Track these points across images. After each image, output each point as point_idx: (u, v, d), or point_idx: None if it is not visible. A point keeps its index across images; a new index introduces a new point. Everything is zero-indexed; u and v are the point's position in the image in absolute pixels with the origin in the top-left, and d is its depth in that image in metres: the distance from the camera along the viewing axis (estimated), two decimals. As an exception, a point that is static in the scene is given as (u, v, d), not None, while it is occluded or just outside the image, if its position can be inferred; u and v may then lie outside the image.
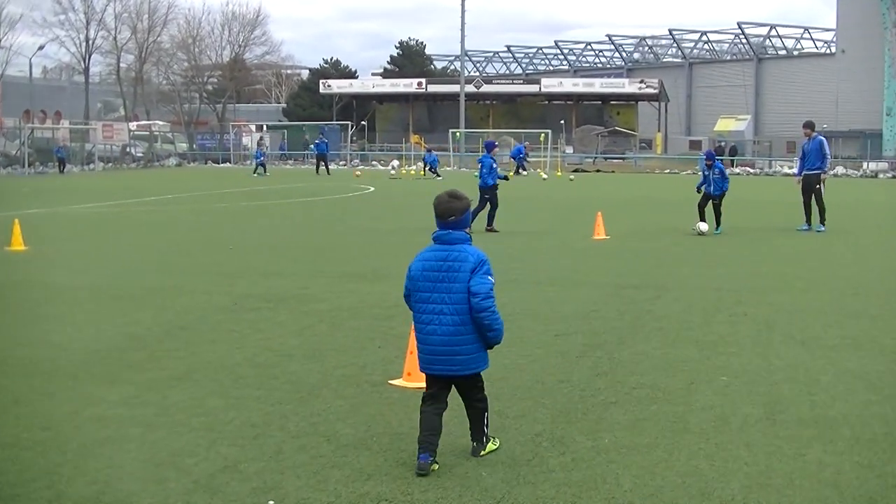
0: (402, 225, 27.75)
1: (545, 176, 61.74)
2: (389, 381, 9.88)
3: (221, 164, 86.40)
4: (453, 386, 7.63)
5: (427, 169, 63.44)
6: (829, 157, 26.76)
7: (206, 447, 7.80)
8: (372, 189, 47.17)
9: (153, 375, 10.13)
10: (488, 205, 25.99)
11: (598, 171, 73.88)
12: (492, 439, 7.75)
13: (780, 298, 15.07)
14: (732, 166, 74.97)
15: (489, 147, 27.16)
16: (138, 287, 16.08)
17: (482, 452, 7.60)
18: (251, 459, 7.53)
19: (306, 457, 7.59)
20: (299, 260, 19.65)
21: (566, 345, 11.65)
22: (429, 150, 67.77)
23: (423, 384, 7.93)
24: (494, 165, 26.47)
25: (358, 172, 65.19)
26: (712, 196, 25.23)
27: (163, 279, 17.04)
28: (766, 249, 20.81)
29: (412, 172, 66.67)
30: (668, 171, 75.71)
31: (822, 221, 25.90)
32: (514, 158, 65.85)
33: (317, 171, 64.89)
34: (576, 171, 69.34)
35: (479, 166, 26.63)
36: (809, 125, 26.79)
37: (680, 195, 42.98)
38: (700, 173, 26.49)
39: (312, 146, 72.30)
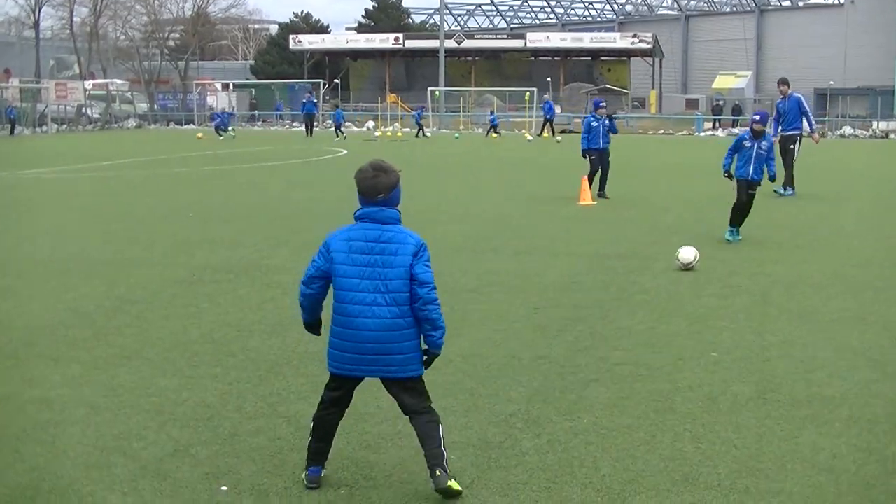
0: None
1: (530, 137, 61.68)
2: (356, 359, 9.84)
3: (185, 126, 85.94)
4: (397, 400, 6.73)
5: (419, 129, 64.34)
6: (810, 114, 26.70)
7: (155, 430, 7.77)
8: (345, 152, 46.99)
9: (100, 354, 10.08)
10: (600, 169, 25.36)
11: (587, 132, 73.85)
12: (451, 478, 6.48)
13: (776, 269, 15.08)
14: (734, 127, 74.95)
15: (596, 106, 26.36)
16: (87, 259, 15.99)
17: (449, 484, 6.39)
18: (204, 443, 7.50)
19: (263, 439, 7.57)
20: (263, 229, 19.56)
21: (545, 319, 11.64)
22: (418, 109, 68.78)
23: None
24: (594, 124, 25.58)
25: (199, 135, 64.62)
26: (751, 184, 17.85)
27: (115, 250, 16.94)
28: (763, 217, 20.82)
29: (388, 135, 66.46)
30: (661, 131, 75.79)
31: (788, 185, 25.68)
32: (491, 122, 66.40)
33: (308, 133, 64.33)
34: (563, 131, 69.18)
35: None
36: (784, 82, 26.84)
37: (674, 158, 43.06)
38: (736, 145, 18.05)
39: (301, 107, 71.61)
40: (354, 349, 6.56)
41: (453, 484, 6.41)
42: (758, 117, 18.16)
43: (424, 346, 6.59)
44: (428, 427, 6.51)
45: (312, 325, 7.12)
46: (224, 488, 6.64)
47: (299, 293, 6.98)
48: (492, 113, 70.87)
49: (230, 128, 67.08)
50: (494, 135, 65.12)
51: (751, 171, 17.61)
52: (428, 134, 65.18)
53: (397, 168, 6.81)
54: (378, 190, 6.67)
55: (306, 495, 6.54)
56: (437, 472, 6.37)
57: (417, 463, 7.01)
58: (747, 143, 17.60)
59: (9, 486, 6.68)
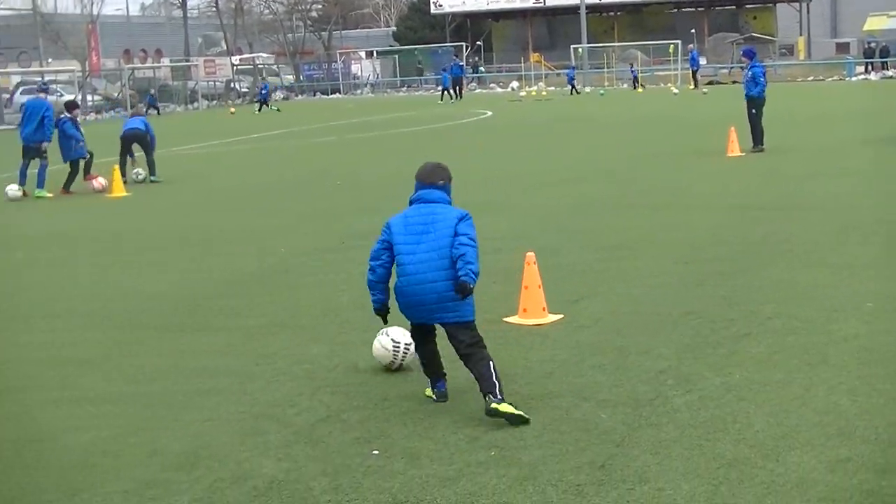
0: (515, 153, 27.59)
1: (676, 90, 60.85)
2: (504, 319, 9.84)
3: (331, 96, 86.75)
4: (455, 348, 7.50)
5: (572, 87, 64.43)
6: None
7: (307, 396, 7.87)
8: (489, 114, 46.96)
9: (253, 323, 10.25)
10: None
11: (734, 82, 72.50)
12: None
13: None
14: (885, 69, 72.86)
15: (753, 54, 25.31)
16: (238, 230, 16.26)
17: (495, 405, 6.99)
18: (355, 408, 7.57)
19: (414, 403, 7.60)
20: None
21: (693, 273, 11.48)
22: (570, 69, 68.69)
23: (541, 320, 8.82)
24: (749, 74, 24.73)
25: (232, 110, 64.63)
26: None
27: (265, 220, 17.21)
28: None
29: (533, 93, 66.15)
30: (811, 78, 73.97)
31: None
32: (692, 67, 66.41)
33: (459, 97, 64.02)
34: (710, 83, 67.99)
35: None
36: None
37: (824, 105, 42.01)
38: None
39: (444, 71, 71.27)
40: (419, 302, 7.55)
41: (501, 406, 7.01)
42: None
43: (461, 280, 7.33)
44: (481, 365, 7.26)
45: (381, 309, 7.99)
46: (375, 452, 6.69)
47: (367, 275, 7.99)
48: (632, 66, 70.90)
49: (272, 104, 67.23)
50: (640, 88, 64.87)
51: None
52: (579, 91, 64.85)
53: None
54: (441, 177, 7.83)
55: (457, 456, 6.54)
56: (487, 398, 7.08)
57: (568, 423, 6.99)
58: None
59: (172, 453, 6.84)
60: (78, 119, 23.82)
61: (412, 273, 7.55)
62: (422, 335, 7.78)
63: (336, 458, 6.63)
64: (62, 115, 23.54)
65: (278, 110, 63.03)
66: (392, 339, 8.52)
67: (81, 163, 23.34)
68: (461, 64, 70.41)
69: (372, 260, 7.91)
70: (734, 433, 6.69)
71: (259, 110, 62.74)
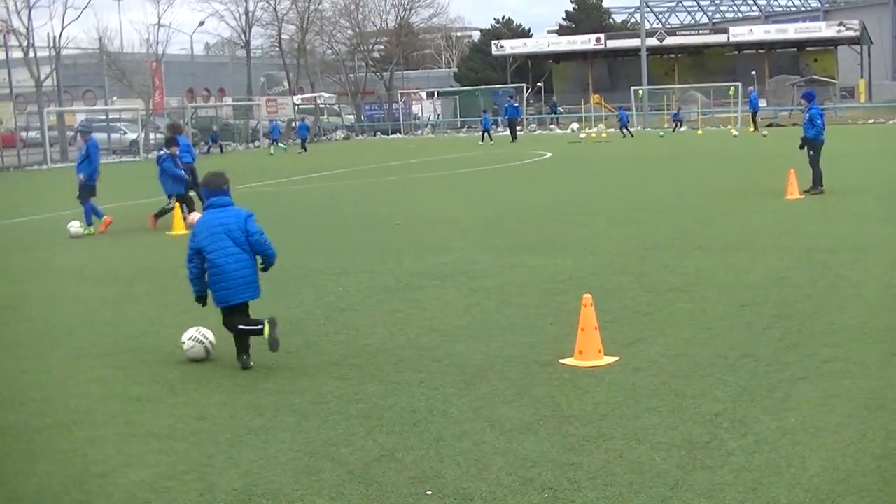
0: (575, 193, 27.59)
1: (736, 132, 60.59)
2: (560, 361, 9.82)
3: (391, 136, 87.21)
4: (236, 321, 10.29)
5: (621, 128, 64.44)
6: None
7: (362, 435, 7.89)
8: (549, 155, 47.01)
9: (310, 361, 10.31)
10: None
11: (794, 124, 72.13)
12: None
13: None
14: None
15: (813, 97, 25.57)
16: (298, 268, 16.34)
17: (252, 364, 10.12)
18: (409, 447, 7.57)
19: (468, 443, 7.60)
20: (467, 234, 19.69)
21: (752, 316, 11.40)
22: (621, 109, 68.69)
23: (596, 362, 9.24)
24: (807, 116, 24.88)
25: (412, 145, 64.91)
26: None
27: (324, 259, 17.29)
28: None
29: (593, 135, 66.13)
30: (872, 120, 73.37)
31: None
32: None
33: (514, 138, 64.10)
34: (770, 125, 67.70)
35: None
36: None
37: (886, 146, 41.68)
38: None
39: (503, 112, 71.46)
40: (230, 285, 10.27)
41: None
42: None
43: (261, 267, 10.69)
44: (247, 338, 10.27)
45: (201, 299, 10.70)
46: (429, 493, 6.69)
47: (187, 274, 10.58)
48: (679, 109, 71.98)
49: (280, 143, 67.80)
50: (695, 129, 65.16)
51: None
52: (633, 133, 64.77)
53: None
54: (224, 183, 10.71)
55: (511, 497, 6.53)
56: (244, 357, 10.21)
57: (622, 466, 6.96)
58: None
59: (223, 491, 6.88)
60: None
61: (222, 265, 10.23)
62: (233, 316, 10.30)
63: (390, 497, 6.64)
64: (161, 153, 24.05)
65: (285, 149, 63.54)
66: (204, 336, 10.63)
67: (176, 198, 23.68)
68: (516, 105, 70.42)
69: (188, 263, 10.47)
70: (789, 477, 6.63)
71: (303, 149, 63.45)
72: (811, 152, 24.34)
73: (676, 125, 68.90)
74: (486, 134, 64.44)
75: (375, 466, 7.20)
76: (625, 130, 64.40)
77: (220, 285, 10.27)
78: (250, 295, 10.43)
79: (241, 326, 10.26)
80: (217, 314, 10.58)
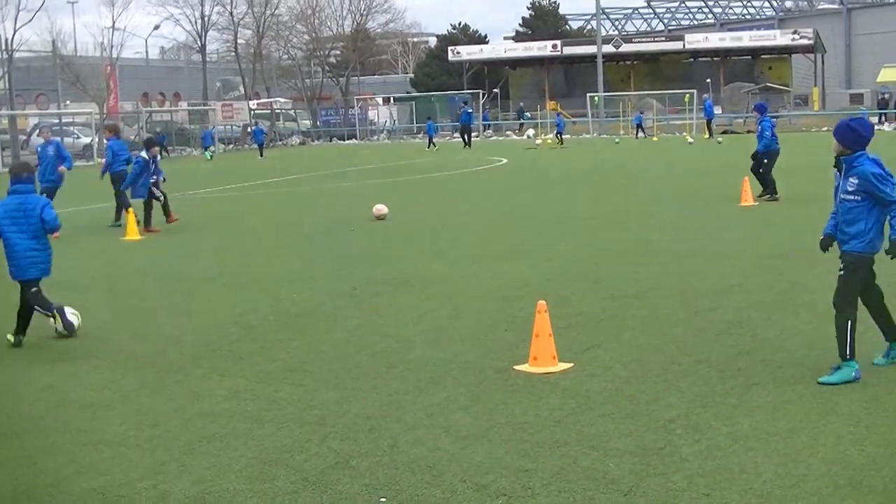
0: (531, 200, 27.64)
1: (691, 140, 60.89)
2: (515, 367, 9.85)
3: (347, 141, 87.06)
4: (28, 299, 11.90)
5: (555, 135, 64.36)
6: None
7: (317, 442, 7.88)
8: (505, 161, 47.04)
9: (265, 367, 10.29)
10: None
11: (748, 131, 72.61)
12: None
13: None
14: (898, 121, 72.91)
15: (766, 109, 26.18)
16: (253, 275, 16.31)
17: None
18: (364, 454, 7.58)
19: (423, 450, 7.61)
20: (422, 240, 19.71)
21: (706, 322, 11.48)
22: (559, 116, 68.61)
23: (551, 368, 9.31)
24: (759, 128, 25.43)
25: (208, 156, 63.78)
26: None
27: (280, 265, 17.25)
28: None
29: (549, 142, 66.24)
30: (825, 128, 73.87)
31: None
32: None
33: (468, 144, 64.06)
34: (724, 132, 68.11)
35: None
36: None
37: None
38: None
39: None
40: (25, 265, 11.81)
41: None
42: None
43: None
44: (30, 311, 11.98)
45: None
46: (383, 500, 6.70)
47: None
48: (641, 113, 71.91)
49: (207, 152, 66.20)
50: (655, 138, 65.25)
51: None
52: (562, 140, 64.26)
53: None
54: (25, 170, 12.19)
55: (465, 505, 6.56)
56: (19, 336, 11.91)
57: (576, 472, 6.99)
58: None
59: (176, 499, 6.85)
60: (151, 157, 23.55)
61: (15, 244, 11.76)
62: (29, 293, 11.85)
63: (344, 504, 6.65)
64: (139, 156, 23.56)
65: (210, 157, 63.07)
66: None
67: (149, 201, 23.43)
68: (470, 111, 70.45)
69: None
70: (742, 483, 6.69)
71: (261, 154, 63.17)
72: (765, 160, 24.58)
73: (637, 130, 68.51)
74: (430, 141, 64.35)
75: (330, 473, 7.20)
76: (558, 137, 63.84)
77: (14, 262, 11.88)
78: (39, 271, 12.03)
79: (36, 307, 11.92)
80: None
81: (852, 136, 8.99)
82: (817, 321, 11.20)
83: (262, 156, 62.73)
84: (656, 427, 7.88)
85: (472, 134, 68.17)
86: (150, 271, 17.37)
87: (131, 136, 72.93)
